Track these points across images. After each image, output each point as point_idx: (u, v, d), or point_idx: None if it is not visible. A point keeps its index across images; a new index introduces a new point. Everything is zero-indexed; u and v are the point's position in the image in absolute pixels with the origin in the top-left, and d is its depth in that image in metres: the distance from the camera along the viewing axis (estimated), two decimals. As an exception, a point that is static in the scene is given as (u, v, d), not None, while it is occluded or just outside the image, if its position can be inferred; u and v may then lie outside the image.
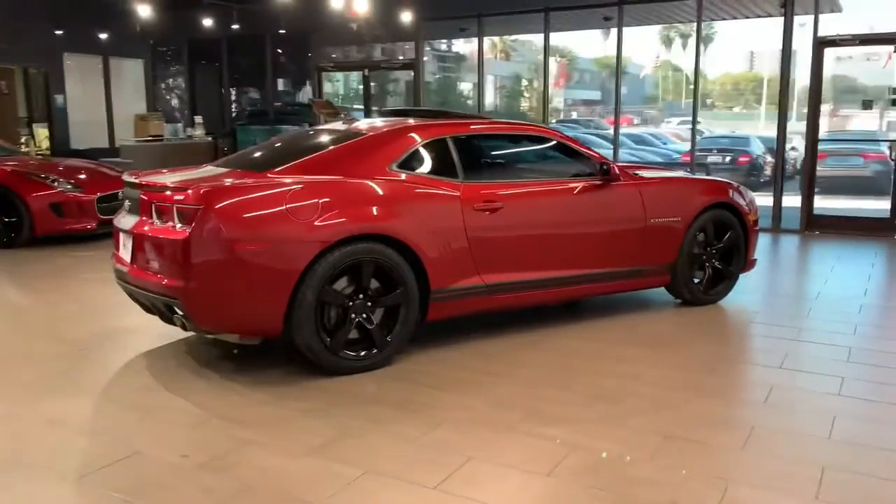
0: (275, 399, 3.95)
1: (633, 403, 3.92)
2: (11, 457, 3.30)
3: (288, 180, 4.23)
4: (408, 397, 3.99)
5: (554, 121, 19.61)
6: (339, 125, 5.26)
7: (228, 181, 4.20)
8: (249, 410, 3.80)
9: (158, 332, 5.00)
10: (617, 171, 5.21)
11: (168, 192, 4.10)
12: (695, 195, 5.67)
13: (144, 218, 4.23)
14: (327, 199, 4.17)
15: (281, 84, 14.33)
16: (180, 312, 4.01)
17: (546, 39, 10.44)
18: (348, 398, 3.97)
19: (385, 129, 4.75)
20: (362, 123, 5.06)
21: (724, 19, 12.18)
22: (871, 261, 7.81)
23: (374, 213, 4.30)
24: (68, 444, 3.44)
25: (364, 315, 4.27)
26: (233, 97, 14.14)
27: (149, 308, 4.40)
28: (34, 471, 3.18)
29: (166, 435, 3.52)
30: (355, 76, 20.47)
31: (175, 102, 14.61)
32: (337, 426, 3.59)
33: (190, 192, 3.98)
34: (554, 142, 5.29)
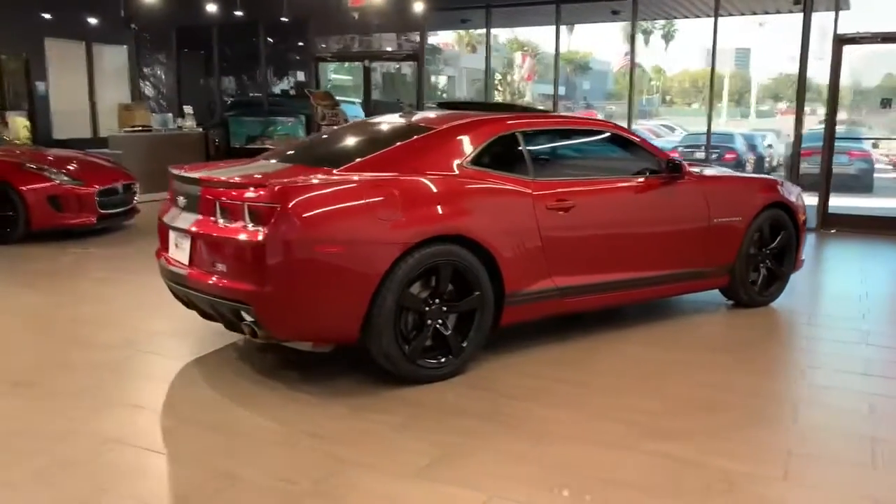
0: (353, 412, 3.66)
1: (734, 414, 3.72)
2: (90, 485, 2.96)
3: (363, 177, 3.94)
4: (493, 409, 3.73)
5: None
6: (397, 118, 4.96)
7: (302, 178, 3.88)
8: (333, 426, 3.51)
9: (198, 337, 4.68)
10: (687, 168, 5.01)
11: (236, 189, 3.78)
12: (754, 194, 5.50)
13: (206, 216, 3.90)
14: (408, 198, 3.90)
15: (275, 74, 13.87)
16: (251, 319, 3.70)
17: (557, 32, 10.21)
18: (431, 410, 3.70)
19: (454, 124, 4.47)
20: (425, 117, 4.78)
21: (731, 15, 12.12)
22: (898, 260, 7.77)
23: (454, 212, 4.03)
24: (149, 469, 3.12)
25: (440, 321, 4.01)
26: (223, 87, 13.64)
27: (207, 313, 4.07)
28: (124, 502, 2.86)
29: (256, 456, 3.20)
30: (332, 66, 19.99)
31: (160, 91, 14.05)
32: (435, 443, 3.33)
33: (264, 189, 3.66)
34: (618, 137, 5.07)
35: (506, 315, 4.28)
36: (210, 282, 3.81)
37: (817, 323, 5.52)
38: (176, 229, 4.11)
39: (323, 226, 3.67)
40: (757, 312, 5.58)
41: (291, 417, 3.59)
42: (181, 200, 4.14)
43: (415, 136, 4.34)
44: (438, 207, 4.00)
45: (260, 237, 3.57)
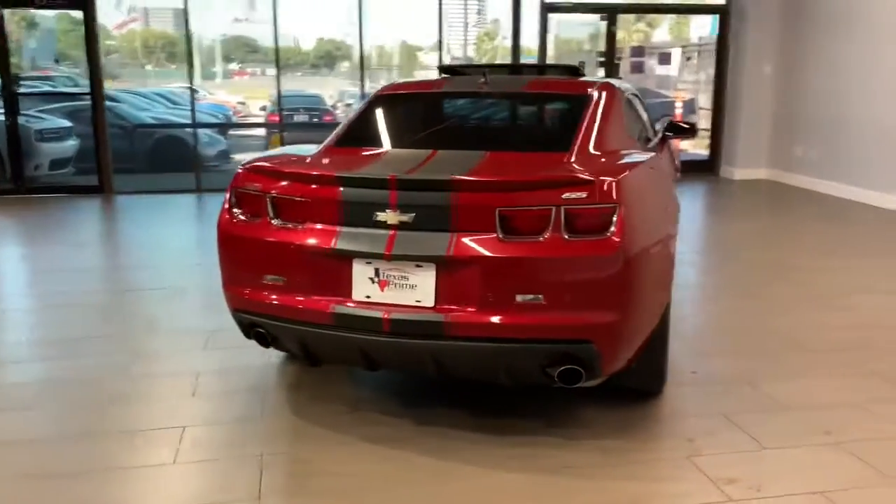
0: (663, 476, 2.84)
1: None
2: None
3: (649, 161, 3.21)
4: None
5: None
6: (479, 84, 3.85)
7: (617, 166, 2.93)
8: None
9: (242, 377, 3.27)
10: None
11: (540, 190, 2.67)
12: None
13: (474, 232, 2.68)
14: (668, 181, 3.35)
15: None
16: (574, 360, 2.70)
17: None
18: (785, 463, 2.87)
19: (596, 89, 3.71)
20: (540, 82, 3.96)
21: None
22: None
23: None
24: None
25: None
26: None
27: (462, 371, 2.87)
28: None
29: None
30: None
31: None
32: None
33: (590, 186, 2.66)
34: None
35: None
36: (506, 324, 2.67)
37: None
38: (398, 258, 2.74)
39: (652, 222, 2.96)
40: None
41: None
42: (389, 216, 2.74)
43: (587, 107, 3.48)
44: (671, 186, 3.51)
45: (611, 249, 2.65)
